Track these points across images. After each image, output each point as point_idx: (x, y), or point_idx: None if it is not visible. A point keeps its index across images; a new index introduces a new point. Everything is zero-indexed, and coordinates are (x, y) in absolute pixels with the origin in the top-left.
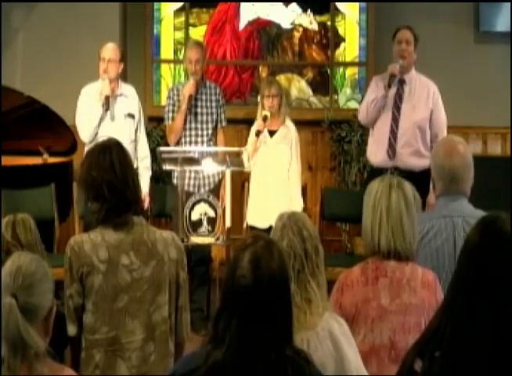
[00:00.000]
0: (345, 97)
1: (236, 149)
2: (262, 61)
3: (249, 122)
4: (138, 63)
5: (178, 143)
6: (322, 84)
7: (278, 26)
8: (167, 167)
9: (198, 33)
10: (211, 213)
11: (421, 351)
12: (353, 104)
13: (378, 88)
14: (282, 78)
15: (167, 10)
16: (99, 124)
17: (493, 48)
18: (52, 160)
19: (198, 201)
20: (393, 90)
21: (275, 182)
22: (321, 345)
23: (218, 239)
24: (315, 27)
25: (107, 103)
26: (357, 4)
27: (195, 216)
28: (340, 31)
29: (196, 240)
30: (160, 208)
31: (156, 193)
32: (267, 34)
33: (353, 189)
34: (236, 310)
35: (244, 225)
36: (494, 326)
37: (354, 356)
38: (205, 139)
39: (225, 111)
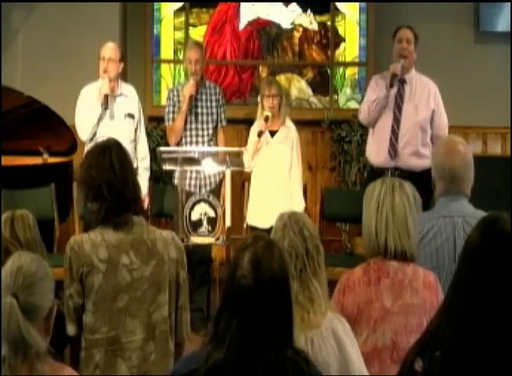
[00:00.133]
0: (345, 97)
1: (236, 149)
2: (262, 61)
3: (249, 122)
4: (138, 63)
5: (178, 144)
6: (322, 84)
7: (278, 26)
8: (167, 167)
9: (198, 33)
10: (211, 213)
11: (421, 351)
12: (353, 104)
13: (378, 88)
14: (282, 78)
15: (167, 10)
16: (98, 123)
17: (493, 48)
18: (52, 160)
19: (198, 201)
20: (394, 90)
21: (276, 182)
22: (325, 344)
23: (218, 239)
24: (315, 27)
25: (106, 102)
26: (357, 4)
27: (195, 216)
28: (340, 31)
29: (196, 240)
30: (159, 208)
31: (156, 193)
32: (267, 34)
33: (353, 189)
34: (237, 310)
35: (244, 226)
36: (494, 326)
37: (357, 356)
38: (206, 139)
39: (225, 111)
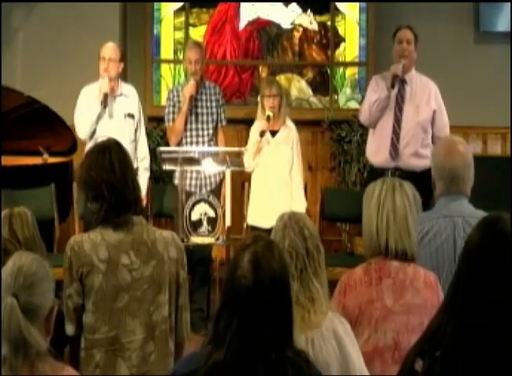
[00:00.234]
0: (345, 97)
1: (236, 149)
2: (262, 61)
3: (249, 122)
4: (138, 63)
5: (179, 144)
6: (322, 84)
7: (278, 26)
8: (167, 167)
9: (198, 33)
10: (211, 213)
11: (422, 351)
12: (353, 104)
13: (379, 88)
14: (282, 78)
15: (167, 10)
16: (97, 122)
17: (493, 48)
18: (52, 160)
19: (198, 201)
20: (394, 90)
21: (277, 182)
22: (325, 344)
23: (218, 239)
24: (315, 27)
25: (105, 101)
26: (357, 4)
27: (195, 216)
28: (340, 31)
29: (196, 240)
30: (159, 208)
31: (156, 193)
32: (267, 34)
33: (353, 189)
34: (237, 310)
35: (244, 226)
36: (494, 326)
37: (357, 356)
38: (206, 139)
39: (225, 111)
